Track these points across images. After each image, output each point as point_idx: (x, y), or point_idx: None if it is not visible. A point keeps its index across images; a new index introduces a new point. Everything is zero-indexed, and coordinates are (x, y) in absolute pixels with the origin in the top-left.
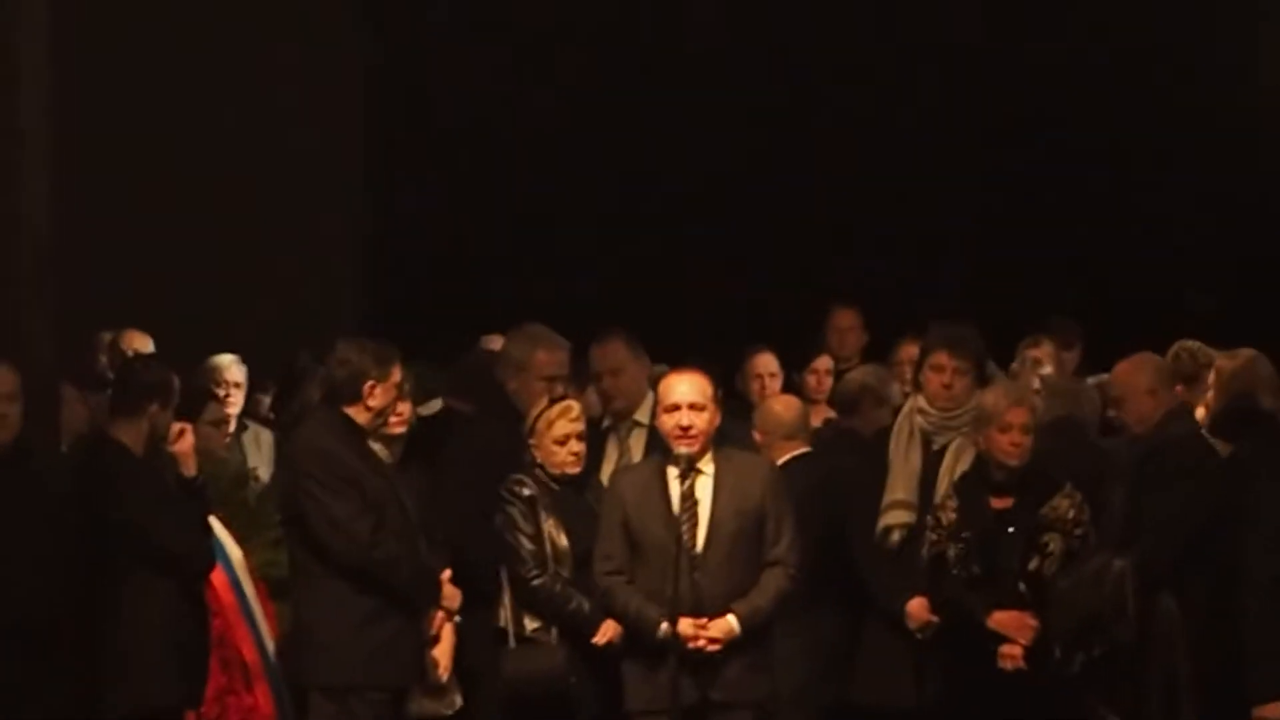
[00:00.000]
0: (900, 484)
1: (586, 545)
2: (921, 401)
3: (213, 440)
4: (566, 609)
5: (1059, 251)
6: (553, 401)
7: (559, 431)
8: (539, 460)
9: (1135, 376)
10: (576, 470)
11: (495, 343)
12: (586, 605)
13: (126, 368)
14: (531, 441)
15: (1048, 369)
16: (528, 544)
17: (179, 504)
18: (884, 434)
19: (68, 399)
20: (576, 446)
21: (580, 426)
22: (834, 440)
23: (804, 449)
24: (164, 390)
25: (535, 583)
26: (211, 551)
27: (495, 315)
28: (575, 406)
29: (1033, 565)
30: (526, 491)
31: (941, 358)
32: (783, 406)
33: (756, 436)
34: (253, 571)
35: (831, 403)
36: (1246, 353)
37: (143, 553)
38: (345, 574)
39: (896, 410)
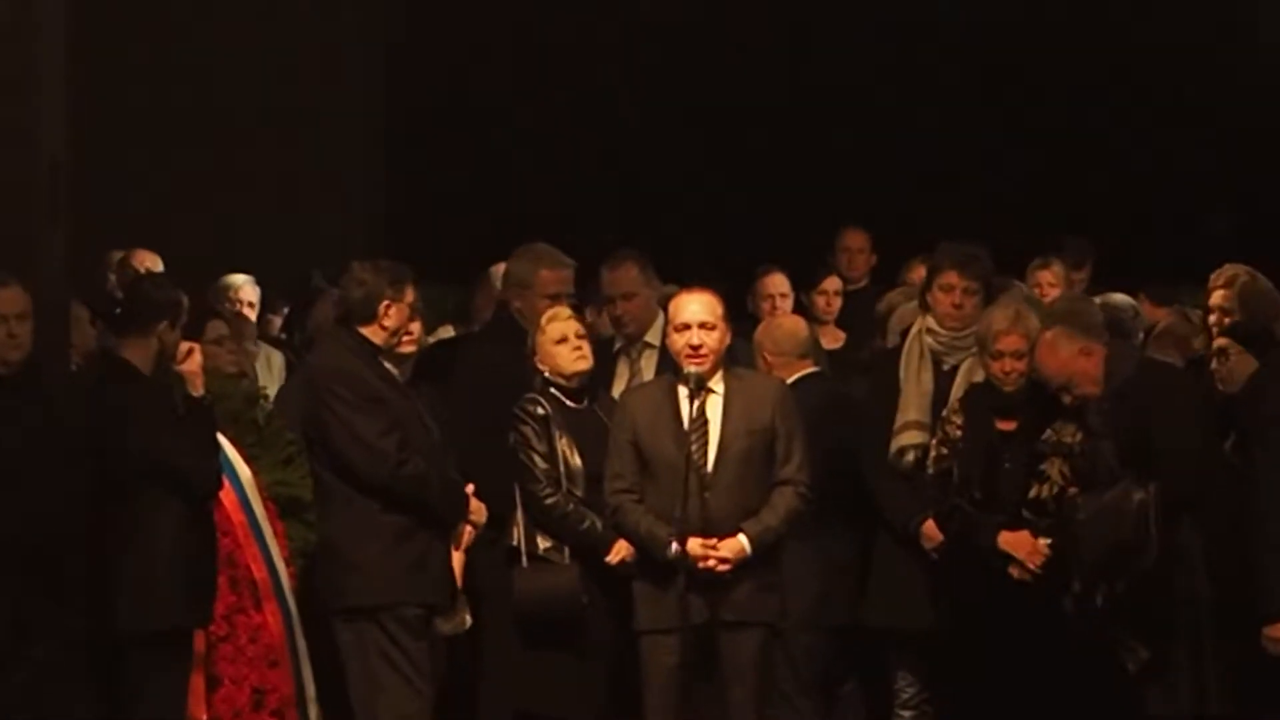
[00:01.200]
0: (913, 405)
1: (600, 464)
2: (931, 322)
3: (218, 358)
4: (579, 528)
5: (1072, 173)
6: None
7: (554, 333)
8: (546, 373)
9: (1058, 356)
10: (585, 367)
11: (499, 270)
12: (599, 524)
13: (135, 286)
14: (536, 357)
15: (1055, 290)
16: (541, 463)
17: (186, 424)
18: (891, 354)
19: (78, 319)
20: (577, 343)
21: (576, 325)
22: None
23: (812, 368)
24: (172, 309)
25: (548, 501)
26: (219, 472)
27: (506, 237)
28: (565, 309)
29: (1032, 493)
30: (540, 410)
31: (951, 277)
32: (795, 325)
33: (766, 356)
34: (262, 490)
35: (840, 324)
36: (1246, 269)
37: (150, 473)
38: (374, 493)
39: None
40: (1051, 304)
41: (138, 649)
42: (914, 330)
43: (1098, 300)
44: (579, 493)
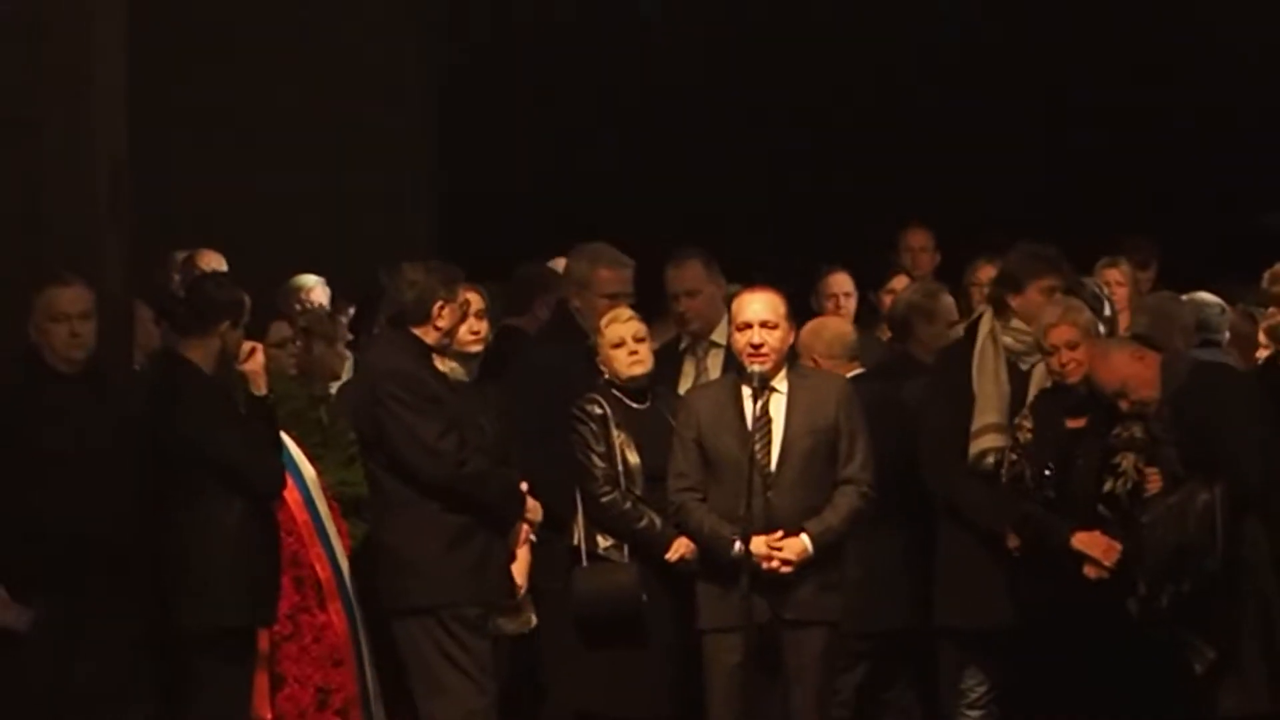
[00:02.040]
0: (992, 407)
1: (659, 463)
2: (1017, 322)
3: (280, 360)
4: (636, 526)
5: (1131, 173)
6: None
7: (612, 336)
8: (608, 375)
9: (1110, 363)
10: (642, 371)
11: (560, 264)
12: (658, 522)
13: (197, 286)
14: (599, 357)
15: (1123, 289)
16: (599, 462)
17: (248, 423)
18: (951, 353)
19: (141, 318)
20: (634, 347)
21: (635, 327)
22: (891, 363)
23: (859, 369)
24: (235, 309)
25: (605, 500)
26: (281, 470)
27: (566, 237)
28: (625, 310)
29: (1107, 486)
30: (598, 410)
31: (1052, 280)
32: (841, 327)
33: (816, 358)
34: (326, 490)
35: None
36: None
37: (212, 471)
38: (434, 494)
39: (950, 324)
40: (1142, 303)
41: (200, 647)
42: (985, 331)
43: (1184, 299)
44: (638, 491)
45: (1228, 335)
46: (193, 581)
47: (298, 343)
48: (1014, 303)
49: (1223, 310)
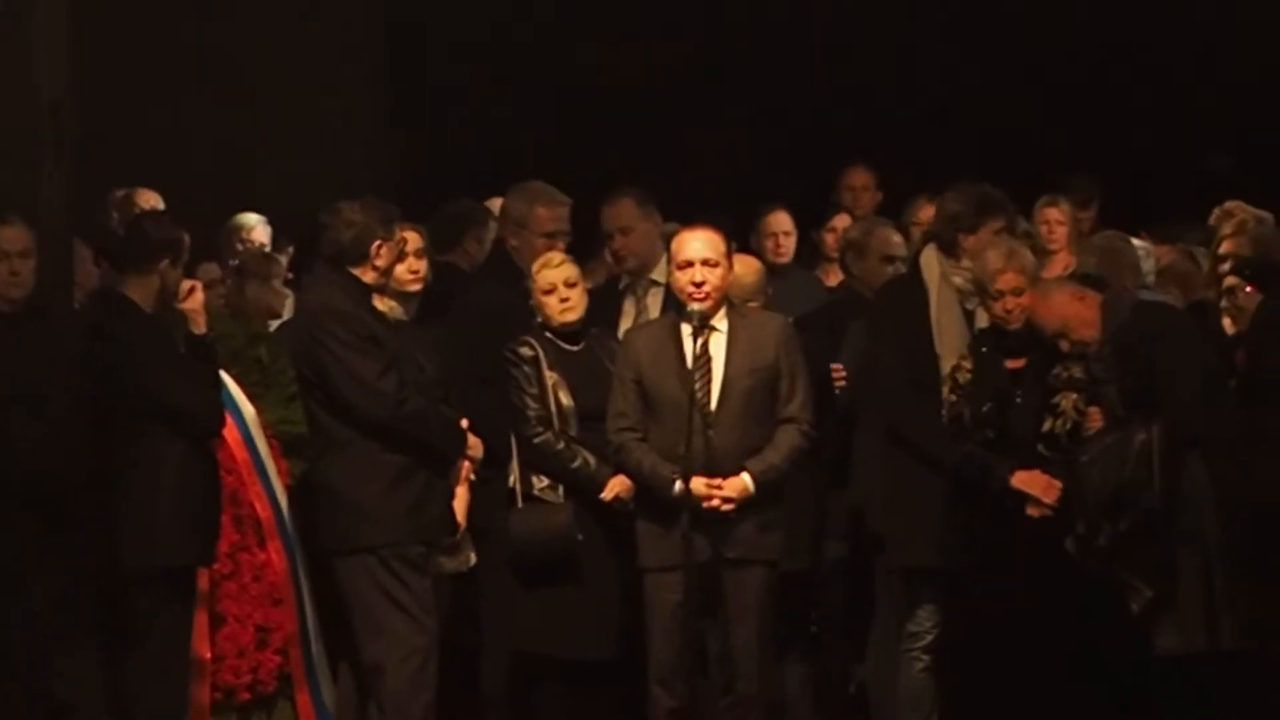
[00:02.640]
0: (957, 351)
1: (592, 404)
2: (967, 262)
3: (209, 301)
4: (570, 466)
5: (1074, 113)
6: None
7: (543, 282)
8: (540, 318)
9: (1051, 303)
10: (573, 318)
11: (497, 205)
12: (593, 462)
13: (135, 224)
14: (531, 300)
15: (1063, 229)
16: (532, 404)
17: (188, 362)
18: (895, 290)
19: (81, 257)
20: (566, 293)
21: (567, 273)
22: (843, 300)
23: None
24: (173, 247)
25: (538, 441)
26: (221, 409)
27: (509, 176)
28: (557, 255)
29: (1046, 426)
30: (529, 352)
31: (1000, 222)
32: (741, 268)
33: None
34: (266, 429)
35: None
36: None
37: (152, 410)
38: (374, 433)
39: (885, 258)
40: (1090, 243)
41: (142, 586)
42: (937, 271)
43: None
44: (572, 432)
45: (1152, 277)
46: (134, 521)
47: (228, 282)
48: (967, 243)
49: (1147, 254)
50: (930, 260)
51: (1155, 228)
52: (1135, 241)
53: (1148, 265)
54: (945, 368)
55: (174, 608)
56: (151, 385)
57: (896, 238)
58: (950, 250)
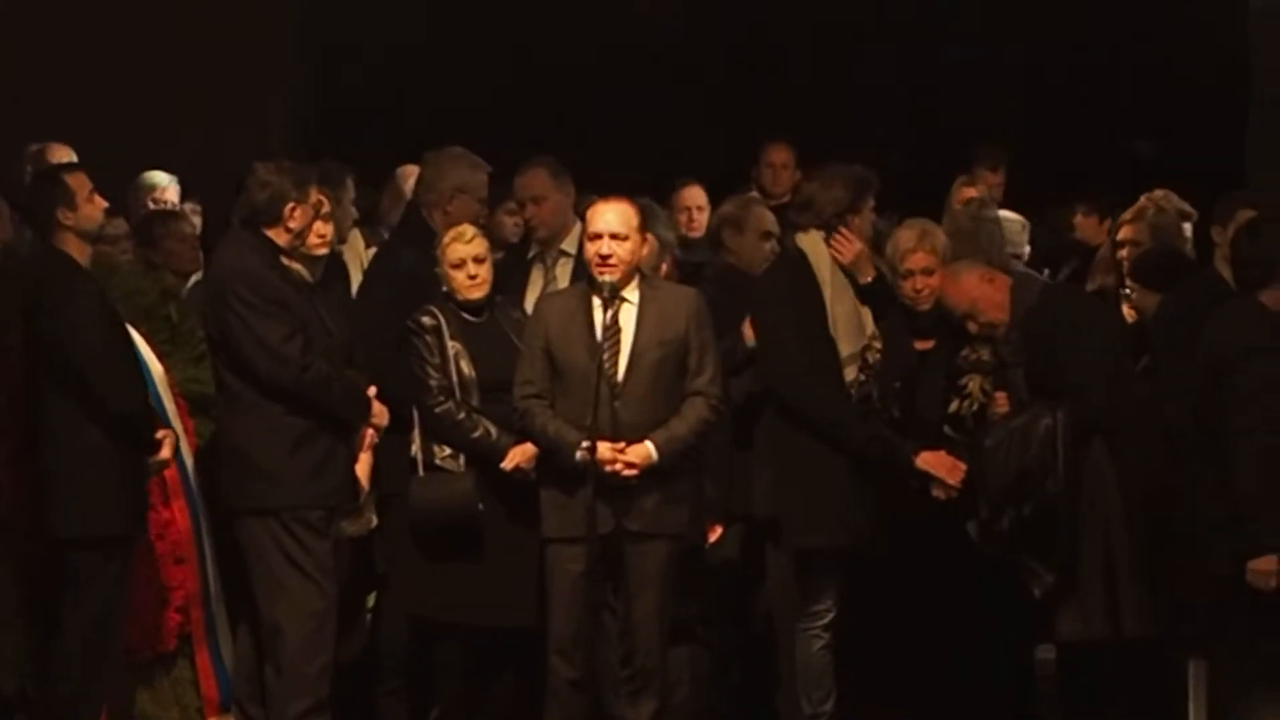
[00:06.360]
0: (853, 336)
1: (495, 375)
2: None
3: (113, 258)
4: (471, 436)
5: (998, 89)
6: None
7: (452, 256)
8: (445, 288)
9: (960, 285)
10: (477, 295)
11: (412, 172)
12: (494, 432)
13: (37, 180)
14: (438, 269)
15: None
16: (433, 374)
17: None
18: (783, 270)
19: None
20: (474, 269)
21: (476, 249)
22: (724, 273)
23: None
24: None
25: (439, 410)
26: (141, 389)
27: (424, 140)
28: (469, 230)
29: (952, 408)
30: (429, 321)
31: (870, 201)
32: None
33: None
34: (173, 387)
35: None
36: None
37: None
38: (277, 396)
39: (762, 234)
40: (954, 221)
41: (74, 555)
42: (825, 253)
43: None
44: (473, 403)
45: (1027, 250)
46: (65, 489)
47: (130, 240)
48: (853, 224)
49: (1023, 227)
50: (816, 244)
51: (1089, 203)
52: (1011, 215)
53: (1022, 238)
54: (843, 352)
55: (110, 573)
56: (78, 349)
57: (771, 215)
58: (831, 233)
